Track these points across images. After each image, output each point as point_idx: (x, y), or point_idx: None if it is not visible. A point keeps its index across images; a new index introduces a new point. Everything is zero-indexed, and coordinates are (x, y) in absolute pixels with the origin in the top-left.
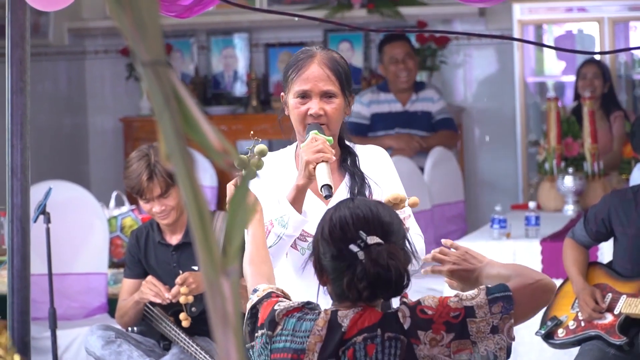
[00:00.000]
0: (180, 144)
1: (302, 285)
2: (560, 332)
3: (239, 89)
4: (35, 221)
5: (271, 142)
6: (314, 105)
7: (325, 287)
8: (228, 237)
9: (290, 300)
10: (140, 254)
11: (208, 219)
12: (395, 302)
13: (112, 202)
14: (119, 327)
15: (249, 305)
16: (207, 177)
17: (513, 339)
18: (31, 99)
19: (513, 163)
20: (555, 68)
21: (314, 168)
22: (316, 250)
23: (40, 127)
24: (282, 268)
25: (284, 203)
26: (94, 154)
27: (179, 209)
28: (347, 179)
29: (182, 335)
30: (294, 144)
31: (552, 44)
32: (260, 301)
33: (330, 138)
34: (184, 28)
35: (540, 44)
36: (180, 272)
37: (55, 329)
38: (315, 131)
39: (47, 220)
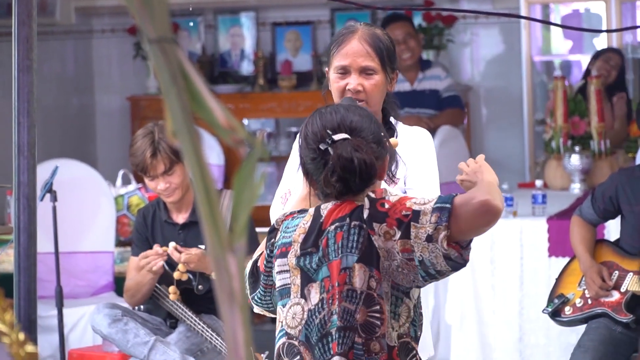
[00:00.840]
0: (187, 121)
1: None
2: (567, 309)
3: (246, 68)
4: (42, 199)
5: (278, 121)
6: (352, 81)
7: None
8: (234, 214)
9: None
10: (147, 232)
11: (214, 196)
12: None
13: (119, 181)
14: (125, 305)
15: (248, 265)
16: (214, 155)
17: (463, 259)
18: (38, 78)
19: (520, 141)
20: (562, 47)
21: None
22: (301, 158)
23: (48, 106)
24: None
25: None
26: (101, 133)
27: (184, 186)
28: None
29: (189, 314)
30: None
31: (558, 23)
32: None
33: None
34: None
35: (547, 22)
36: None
37: (62, 307)
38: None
39: (54, 199)
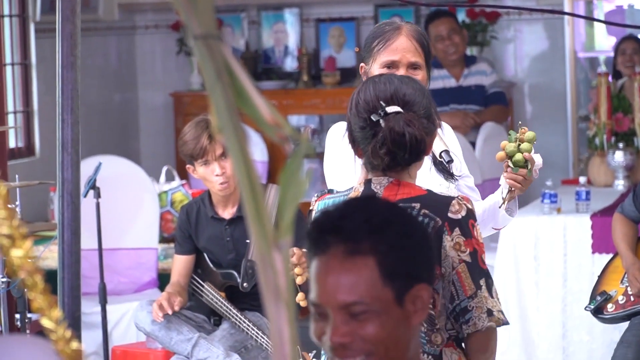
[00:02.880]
0: (232, 117)
1: None
2: (610, 307)
3: (290, 64)
4: (85, 196)
5: (322, 117)
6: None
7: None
8: (280, 211)
9: None
10: (190, 229)
11: (260, 193)
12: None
13: (163, 177)
14: None
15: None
16: (257, 151)
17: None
18: (81, 74)
19: (563, 138)
20: (605, 43)
21: None
22: (349, 124)
23: (91, 102)
24: None
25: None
26: (144, 129)
27: (235, 179)
28: None
29: (234, 311)
30: None
31: (602, 19)
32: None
33: None
34: (234, 3)
35: (590, 18)
36: (232, 247)
37: (105, 304)
38: None
39: (97, 195)
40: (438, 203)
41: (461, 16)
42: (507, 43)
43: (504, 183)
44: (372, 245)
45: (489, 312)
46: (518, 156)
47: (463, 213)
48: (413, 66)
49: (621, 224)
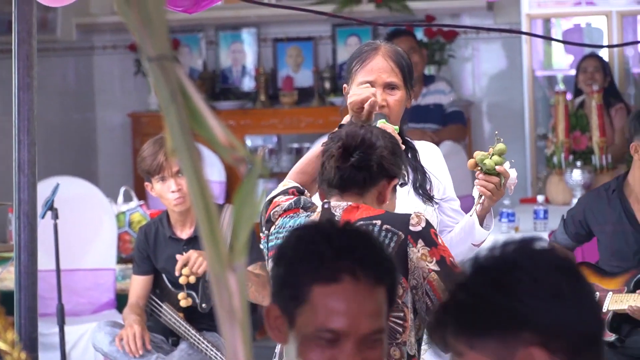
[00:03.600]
0: (186, 138)
1: None
2: None
3: (247, 84)
4: (43, 217)
5: (280, 137)
6: (377, 96)
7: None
8: (235, 232)
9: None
10: (149, 250)
11: (214, 214)
12: None
13: (121, 198)
14: None
15: (269, 195)
16: (215, 172)
17: None
18: (39, 95)
19: (521, 157)
20: (563, 62)
21: None
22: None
23: (49, 123)
24: None
25: None
26: (103, 150)
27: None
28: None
29: (192, 331)
30: None
31: (560, 38)
32: (276, 195)
33: (397, 127)
34: (192, 23)
35: (548, 38)
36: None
37: (63, 325)
38: (383, 120)
39: (55, 216)
40: (397, 218)
41: (419, 35)
42: (465, 62)
43: (475, 192)
44: (386, 274)
45: None
46: (488, 162)
47: (423, 224)
48: (389, 86)
49: None
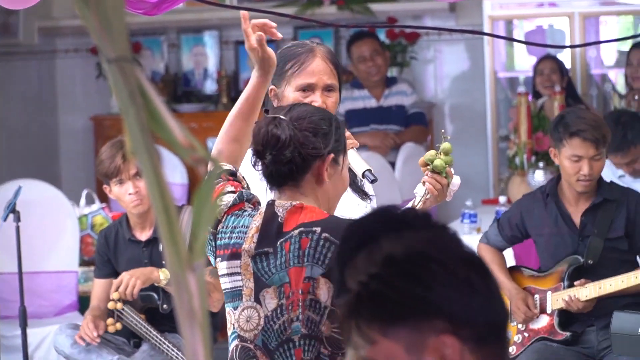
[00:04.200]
0: (145, 140)
1: None
2: (512, 349)
3: (210, 87)
4: (5, 220)
5: None
6: (317, 98)
7: None
8: (194, 233)
9: (241, 183)
10: (109, 253)
11: (174, 215)
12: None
13: (83, 201)
14: None
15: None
16: (177, 174)
17: None
18: (1, 98)
19: (484, 158)
20: (525, 63)
21: None
22: None
23: (11, 126)
24: None
25: None
26: (65, 153)
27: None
28: None
29: (154, 333)
30: None
31: (522, 39)
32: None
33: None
34: (154, 26)
35: (510, 39)
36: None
37: (26, 327)
38: None
39: (17, 219)
40: (338, 226)
41: (381, 37)
42: (427, 64)
43: (419, 190)
44: None
45: None
46: (437, 161)
47: None
48: (328, 88)
49: (491, 254)
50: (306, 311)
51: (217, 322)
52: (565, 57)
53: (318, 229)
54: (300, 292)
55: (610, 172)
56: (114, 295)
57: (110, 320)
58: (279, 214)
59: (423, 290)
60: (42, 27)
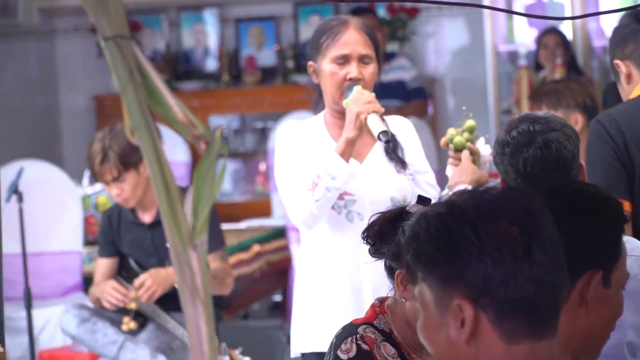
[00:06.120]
0: (145, 117)
1: (338, 244)
2: None
3: (210, 65)
4: (8, 200)
5: (243, 117)
6: (353, 69)
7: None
8: (195, 211)
9: None
10: (113, 233)
11: (175, 193)
12: None
13: (86, 181)
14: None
15: None
16: (179, 152)
17: None
18: (2, 79)
19: (485, 131)
20: (526, 36)
21: (365, 119)
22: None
23: (12, 107)
24: (318, 227)
25: (332, 156)
26: (67, 133)
27: (137, 192)
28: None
29: (159, 311)
30: (320, 115)
31: (522, 12)
32: None
33: (374, 94)
34: (154, 5)
35: (510, 12)
36: (154, 250)
37: (31, 308)
38: (359, 85)
39: (20, 200)
40: None
41: (381, 12)
42: (427, 38)
43: (449, 171)
44: None
45: None
46: (457, 139)
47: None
48: (364, 59)
49: None
50: None
51: (223, 301)
52: (566, 29)
53: None
54: None
55: None
56: (132, 295)
57: (126, 319)
58: None
59: (451, 250)
60: (41, 7)
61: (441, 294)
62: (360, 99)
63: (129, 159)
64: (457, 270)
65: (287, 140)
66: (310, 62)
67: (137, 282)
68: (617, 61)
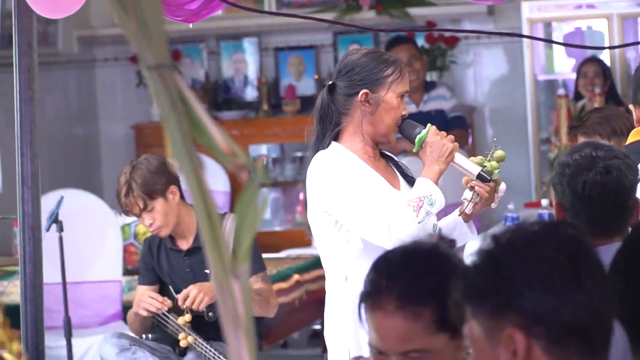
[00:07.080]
0: (187, 146)
1: None
2: None
3: (250, 94)
4: (48, 230)
5: (283, 146)
6: (405, 107)
7: None
8: (237, 239)
9: None
10: (153, 261)
11: (217, 222)
12: None
13: None
14: (133, 334)
15: None
16: (219, 181)
17: None
18: (42, 108)
19: (525, 161)
20: (565, 65)
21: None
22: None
23: (52, 136)
24: (367, 260)
25: (428, 184)
26: (106, 162)
27: (170, 220)
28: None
29: (199, 340)
30: (336, 147)
31: (561, 41)
32: None
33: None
34: (193, 34)
35: (549, 41)
36: (193, 277)
37: (71, 337)
38: (431, 125)
39: (60, 229)
40: None
41: (420, 41)
42: (466, 67)
43: (467, 195)
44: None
45: None
46: (488, 166)
47: None
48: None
49: None
50: None
51: (263, 330)
52: (604, 58)
53: None
54: None
55: None
56: (187, 302)
57: (182, 335)
58: None
59: (500, 281)
60: (81, 36)
61: (492, 325)
62: (443, 137)
63: (152, 188)
64: (507, 299)
65: (338, 166)
66: (365, 90)
67: (181, 295)
68: (630, 105)
